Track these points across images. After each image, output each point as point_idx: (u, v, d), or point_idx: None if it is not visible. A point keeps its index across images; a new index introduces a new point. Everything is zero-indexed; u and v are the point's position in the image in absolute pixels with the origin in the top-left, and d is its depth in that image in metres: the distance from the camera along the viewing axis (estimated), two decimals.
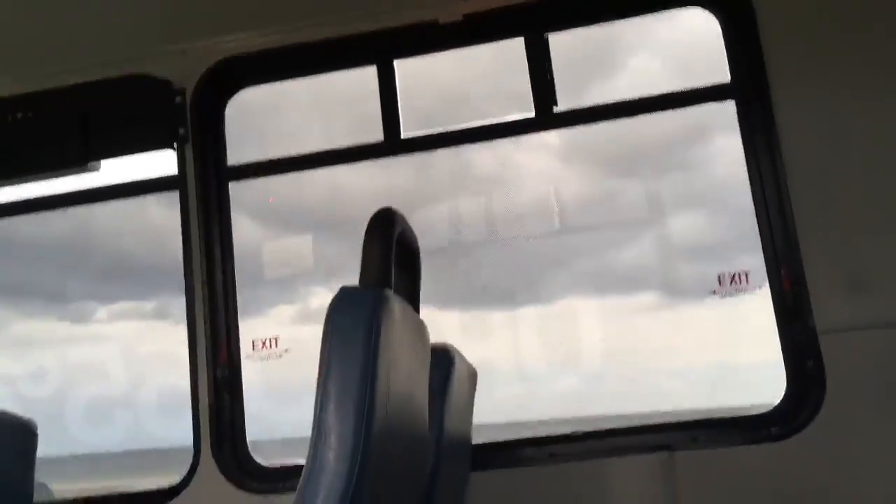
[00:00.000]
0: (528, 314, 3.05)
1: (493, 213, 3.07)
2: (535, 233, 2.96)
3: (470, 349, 2.11)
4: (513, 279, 3.03)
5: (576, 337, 2.98)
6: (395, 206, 1.41)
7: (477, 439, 2.32)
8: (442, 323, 2.71)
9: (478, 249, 3.05)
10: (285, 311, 3.18)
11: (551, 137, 2.93)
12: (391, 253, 1.33)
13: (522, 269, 3.01)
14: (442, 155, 2.95)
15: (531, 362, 3.04)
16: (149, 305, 3.54)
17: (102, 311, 3.66)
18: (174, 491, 2.69)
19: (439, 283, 2.95)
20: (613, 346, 2.90)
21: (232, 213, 2.92)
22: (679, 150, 2.95)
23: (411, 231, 1.53)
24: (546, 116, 2.78)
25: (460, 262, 3.04)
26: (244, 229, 3.00)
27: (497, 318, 3.04)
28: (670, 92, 2.73)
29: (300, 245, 3.13)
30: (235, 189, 2.96)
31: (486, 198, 3.06)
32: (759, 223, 2.56)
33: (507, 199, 3.07)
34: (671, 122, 2.79)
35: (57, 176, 2.98)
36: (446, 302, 2.95)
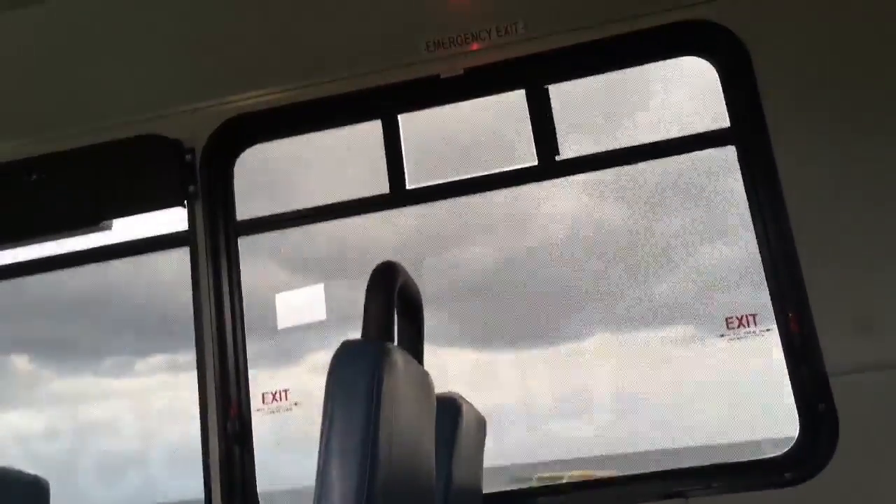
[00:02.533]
0: (543, 355, 3.05)
1: (517, 253, 3.09)
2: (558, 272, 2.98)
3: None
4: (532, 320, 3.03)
5: (593, 377, 2.97)
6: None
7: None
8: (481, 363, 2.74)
9: (502, 290, 3.06)
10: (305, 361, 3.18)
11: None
12: (392, 306, 1.35)
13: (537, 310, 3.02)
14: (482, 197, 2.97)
15: (546, 403, 3.04)
16: (182, 358, 3.52)
17: (141, 365, 3.67)
18: None
19: (470, 325, 2.98)
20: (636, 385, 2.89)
21: (266, 264, 2.95)
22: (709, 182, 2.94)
23: (413, 283, 1.55)
24: (549, 164, 2.82)
25: (485, 303, 3.05)
26: (281, 279, 3.03)
27: (525, 357, 3.03)
28: (671, 138, 2.77)
29: (313, 293, 3.14)
30: (268, 239, 2.99)
31: (509, 237, 3.09)
32: (763, 266, 2.57)
33: (531, 238, 3.09)
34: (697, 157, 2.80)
35: (70, 235, 3.04)
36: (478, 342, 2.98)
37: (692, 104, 2.94)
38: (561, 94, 2.87)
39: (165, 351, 3.48)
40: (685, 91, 2.98)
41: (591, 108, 3.05)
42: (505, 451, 2.76)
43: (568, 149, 2.83)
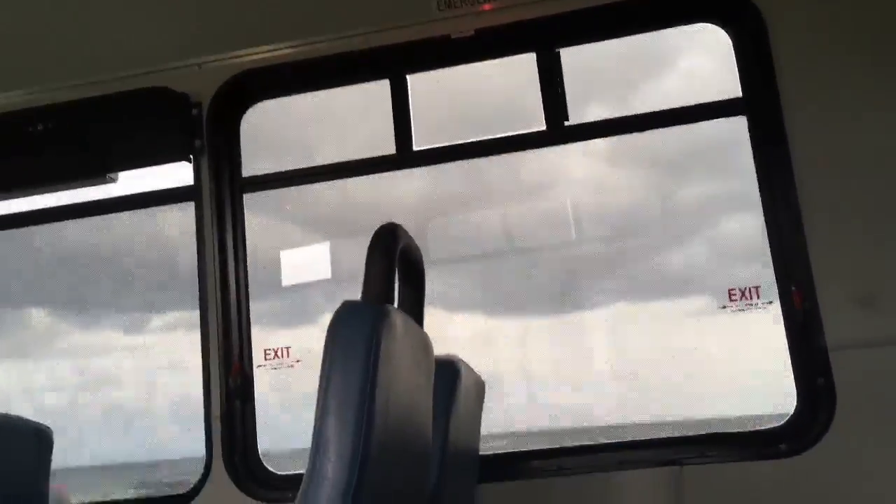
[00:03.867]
0: (546, 323, 3.06)
1: (538, 218, 3.09)
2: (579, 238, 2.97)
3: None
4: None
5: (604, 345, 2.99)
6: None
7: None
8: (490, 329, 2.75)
9: (517, 256, 3.07)
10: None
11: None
12: (393, 269, 1.35)
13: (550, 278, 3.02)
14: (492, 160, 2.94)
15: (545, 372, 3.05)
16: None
17: (157, 321, 3.69)
18: (185, 498, 2.72)
19: (474, 290, 2.99)
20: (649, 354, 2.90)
21: (282, 221, 2.95)
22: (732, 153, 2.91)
23: (416, 246, 1.55)
24: (557, 130, 2.79)
25: (503, 268, 3.05)
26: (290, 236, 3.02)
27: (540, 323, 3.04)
28: (681, 106, 2.74)
29: (318, 252, 3.15)
30: (288, 194, 2.99)
31: (518, 202, 3.09)
32: (769, 239, 2.56)
33: (550, 204, 3.08)
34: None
35: (76, 187, 3.04)
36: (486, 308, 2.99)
37: (704, 72, 2.90)
38: (572, 59, 2.83)
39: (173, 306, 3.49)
40: (698, 59, 2.94)
41: (602, 74, 3.01)
42: (504, 418, 2.79)
43: (577, 114, 2.80)
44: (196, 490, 2.72)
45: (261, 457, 2.79)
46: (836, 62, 2.53)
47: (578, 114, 2.80)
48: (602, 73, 3.01)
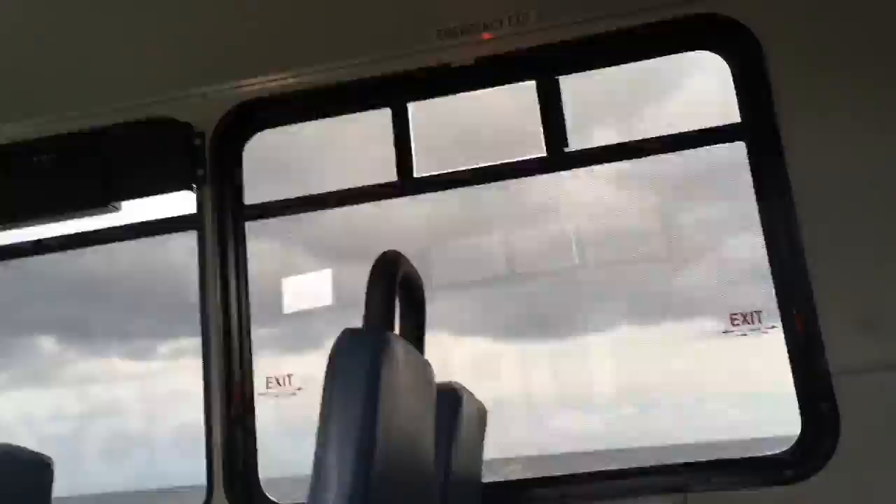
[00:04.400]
0: (548, 348, 3.05)
1: (527, 244, 3.09)
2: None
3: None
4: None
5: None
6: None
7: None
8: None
9: (520, 280, 3.07)
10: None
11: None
12: (394, 296, 1.36)
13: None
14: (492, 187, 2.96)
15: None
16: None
17: (164, 348, 3.69)
18: None
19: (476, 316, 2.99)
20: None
21: (289, 247, 2.96)
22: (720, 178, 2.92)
23: (416, 273, 1.55)
24: (557, 156, 2.81)
25: (505, 293, 3.05)
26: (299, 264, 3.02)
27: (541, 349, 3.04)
28: (680, 132, 2.75)
29: (319, 279, 3.15)
30: (293, 222, 3.01)
31: (520, 228, 3.10)
32: (770, 263, 2.56)
33: (541, 230, 3.09)
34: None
35: (79, 216, 3.06)
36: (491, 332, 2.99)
37: (703, 99, 2.92)
38: (572, 87, 2.86)
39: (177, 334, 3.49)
40: (696, 86, 2.97)
41: (601, 102, 3.04)
42: (508, 444, 2.78)
43: (577, 141, 2.82)
44: None
45: (262, 485, 2.77)
46: (833, 87, 2.55)
47: (579, 140, 2.82)
48: (601, 99, 3.04)
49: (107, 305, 3.62)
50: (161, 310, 3.53)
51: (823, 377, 2.38)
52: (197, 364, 2.85)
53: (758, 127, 2.62)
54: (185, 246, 3.09)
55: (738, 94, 2.69)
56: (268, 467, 2.81)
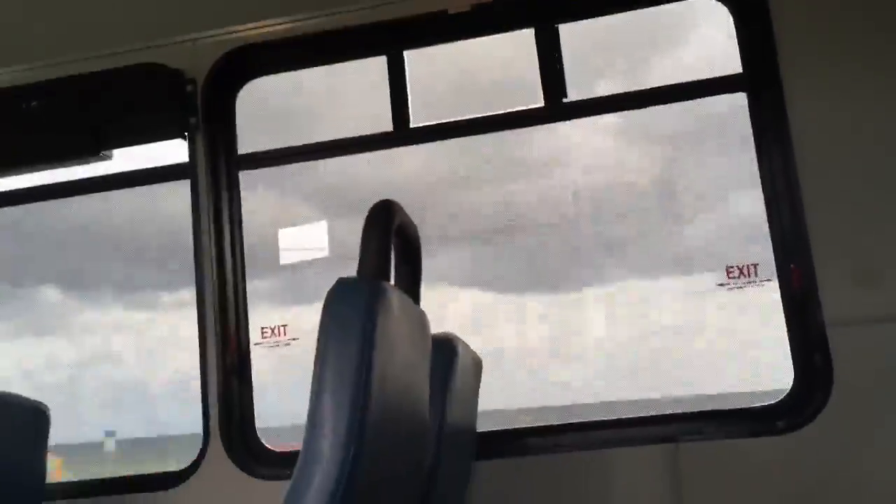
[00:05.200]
0: (544, 301, 3.06)
1: (524, 196, 3.07)
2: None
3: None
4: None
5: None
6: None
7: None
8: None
9: (506, 233, 3.06)
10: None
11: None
12: (389, 245, 1.35)
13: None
14: (496, 136, 2.92)
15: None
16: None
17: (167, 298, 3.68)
18: (183, 475, 2.73)
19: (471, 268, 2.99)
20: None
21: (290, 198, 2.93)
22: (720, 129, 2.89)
23: (412, 223, 1.54)
24: (556, 107, 2.77)
25: (511, 245, 3.05)
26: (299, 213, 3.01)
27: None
28: (681, 82, 2.71)
29: (315, 230, 3.13)
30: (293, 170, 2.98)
31: (538, 180, 3.07)
32: (768, 216, 2.55)
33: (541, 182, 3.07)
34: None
35: (70, 165, 3.02)
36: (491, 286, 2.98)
37: (705, 48, 2.88)
38: (571, 35, 2.81)
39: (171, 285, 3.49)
40: (698, 35, 2.92)
41: (601, 50, 2.99)
42: (511, 395, 2.80)
43: (575, 91, 2.78)
44: (194, 467, 2.73)
45: (258, 434, 2.80)
46: (837, 37, 2.50)
47: (577, 90, 2.77)
48: (602, 48, 2.99)
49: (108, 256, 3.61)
50: (161, 260, 3.52)
51: (818, 329, 2.39)
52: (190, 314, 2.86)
53: (759, 78, 2.58)
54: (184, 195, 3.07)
55: (740, 44, 2.64)
56: (264, 417, 2.84)
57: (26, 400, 2.44)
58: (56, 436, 2.43)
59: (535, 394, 2.94)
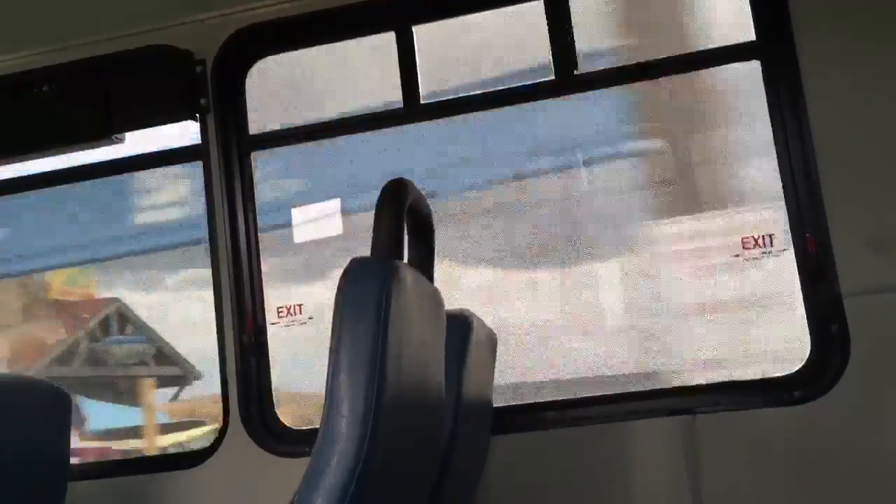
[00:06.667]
0: (558, 276, 3.05)
1: (534, 173, 3.07)
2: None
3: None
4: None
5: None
6: None
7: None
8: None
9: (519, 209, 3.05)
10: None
11: None
12: (402, 224, 1.35)
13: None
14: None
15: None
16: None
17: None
18: (204, 454, 2.77)
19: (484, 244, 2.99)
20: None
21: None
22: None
23: (424, 201, 1.54)
24: (568, 79, 2.74)
25: (501, 222, 3.04)
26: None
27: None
28: (693, 52, 2.68)
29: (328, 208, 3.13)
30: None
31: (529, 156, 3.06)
32: (783, 185, 2.52)
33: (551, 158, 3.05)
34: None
35: (82, 148, 3.03)
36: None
37: (718, 16, 2.84)
38: (581, 4, 2.77)
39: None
40: (710, 2, 2.88)
41: (611, 20, 2.95)
42: (528, 368, 2.81)
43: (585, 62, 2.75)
44: (214, 446, 2.77)
45: (277, 414, 2.83)
46: (853, 2, 2.46)
47: (588, 62, 2.75)
48: (610, 17, 2.95)
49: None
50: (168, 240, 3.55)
51: (834, 299, 2.38)
52: (202, 295, 2.88)
53: (773, 44, 2.54)
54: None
55: (753, 10, 2.60)
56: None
57: (46, 383, 2.47)
58: None
59: (550, 368, 2.94)
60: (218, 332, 2.82)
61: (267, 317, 2.87)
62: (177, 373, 4.48)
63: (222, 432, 2.76)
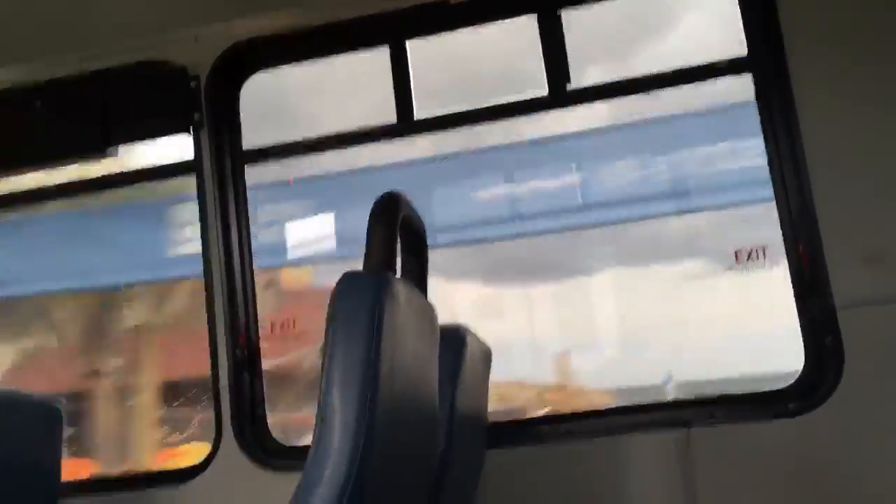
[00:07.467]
0: (551, 289, 3.05)
1: (527, 185, 3.07)
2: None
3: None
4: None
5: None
6: None
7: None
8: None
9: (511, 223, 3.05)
10: None
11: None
12: (395, 238, 1.34)
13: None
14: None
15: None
16: None
17: None
18: (196, 470, 2.75)
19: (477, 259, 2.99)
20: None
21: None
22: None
23: (417, 215, 1.54)
24: (560, 94, 2.75)
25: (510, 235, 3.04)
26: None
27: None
28: (685, 66, 2.70)
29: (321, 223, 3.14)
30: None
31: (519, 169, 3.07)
32: (776, 197, 2.53)
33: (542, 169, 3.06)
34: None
35: (76, 163, 3.03)
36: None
37: (709, 31, 2.85)
38: (574, 21, 2.79)
39: None
40: (702, 17, 2.89)
41: (604, 36, 2.97)
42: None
43: (580, 78, 2.76)
44: (207, 462, 2.75)
45: (269, 427, 2.81)
46: (844, 14, 2.47)
47: (580, 77, 2.76)
48: (604, 34, 2.97)
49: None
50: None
51: (828, 311, 2.38)
52: None
53: (765, 58, 2.56)
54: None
55: (745, 24, 2.61)
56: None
57: (38, 397, 2.45)
58: None
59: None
60: (210, 346, 2.80)
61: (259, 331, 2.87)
62: None
63: (215, 447, 2.74)
